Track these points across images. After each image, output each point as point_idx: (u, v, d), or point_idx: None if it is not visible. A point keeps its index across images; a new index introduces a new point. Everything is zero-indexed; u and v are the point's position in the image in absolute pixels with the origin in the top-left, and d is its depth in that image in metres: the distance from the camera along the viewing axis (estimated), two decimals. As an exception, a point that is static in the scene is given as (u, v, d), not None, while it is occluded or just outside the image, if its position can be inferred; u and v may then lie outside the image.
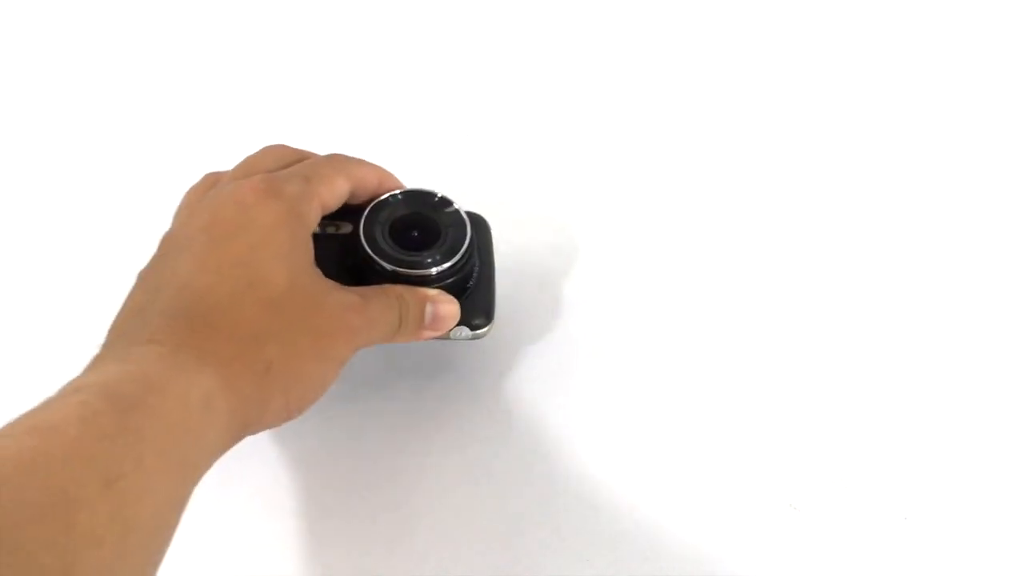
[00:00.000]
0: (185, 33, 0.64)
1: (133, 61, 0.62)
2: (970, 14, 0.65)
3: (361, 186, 0.43)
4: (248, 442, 0.37)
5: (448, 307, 0.42)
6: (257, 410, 0.36)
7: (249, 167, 0.42)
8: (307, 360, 0.37)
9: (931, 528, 0.43)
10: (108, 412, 0.30)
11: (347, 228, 0.43)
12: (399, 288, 0.41)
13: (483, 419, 0.46)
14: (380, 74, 0.61)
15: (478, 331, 0.44)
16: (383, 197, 0.43)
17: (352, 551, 0.42)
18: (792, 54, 0.64)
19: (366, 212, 0.43)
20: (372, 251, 0.42)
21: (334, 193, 0.41)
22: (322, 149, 0.44)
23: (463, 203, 0.44)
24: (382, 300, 0.40)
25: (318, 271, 0.39)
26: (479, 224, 0.46)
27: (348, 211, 0.43)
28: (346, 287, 0.40)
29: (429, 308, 0.42)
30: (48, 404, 0.31)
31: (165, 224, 0.41)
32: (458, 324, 0.43)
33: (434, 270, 0.42)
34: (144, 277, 0.38)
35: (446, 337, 0.43)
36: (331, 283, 0.39)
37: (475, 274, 0.44)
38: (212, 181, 0.42)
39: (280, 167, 0.41)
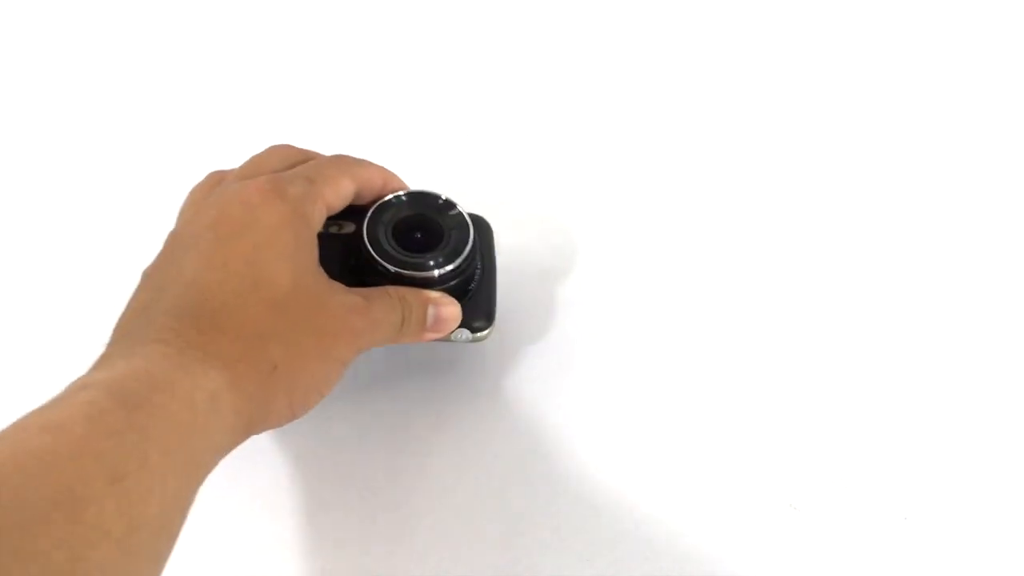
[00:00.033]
0: (190, 33, 0.64)
1: (138, 61, 0.62)
2: (970, 14, 0.65)
3: (366, 187, 0.43)
4: (248, 442, 0.37)
5: (450, 309, 0.42)
6: (262, 410, 0.36)
7: (254, 167, 0.42)
8: (311, 360, 0.37)
9: (931, 528, 0.43)
10: (115, 410, 0.31)
11: (350, 228, 0.43)
12: (402, 290, 0.41)
13: (483, 419, 0.46)
14: (383, 75, 0.62)
15: (479, 333, 0.44)
16: (387, 198, 0.44)
17: (352, 551, 0.42)
18: (790, 56, 0.64)
19: (370, 213, 0.43)
20: (375, 252, 0.42)
21: (339, 194, 0.41)
22: (326, 149, 0.44)
23: (466, 205, 0.45)
24: (385, 302, 0.40)
25: (322, 272, 0.39)
26: (482, 227, 0.46)
27: (352, 211, 0.43)
28: (349, 288, 0.40)
29: (431, 310, 0.42)
30: (55, 402, 0.31)
31: (169, 222, 0.41)
32: (459, 326, 0.43)
33: (437, 272, 0.42)
34: (149, 275, 0.39)
35: (447, 339, 0.44)
36: (335, 284, 0.39)
37: (477, 277, 0.44)
38: (217, 180, 0.42)
39: (285, 167, 0.42)
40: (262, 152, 0.43)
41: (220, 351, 0.35)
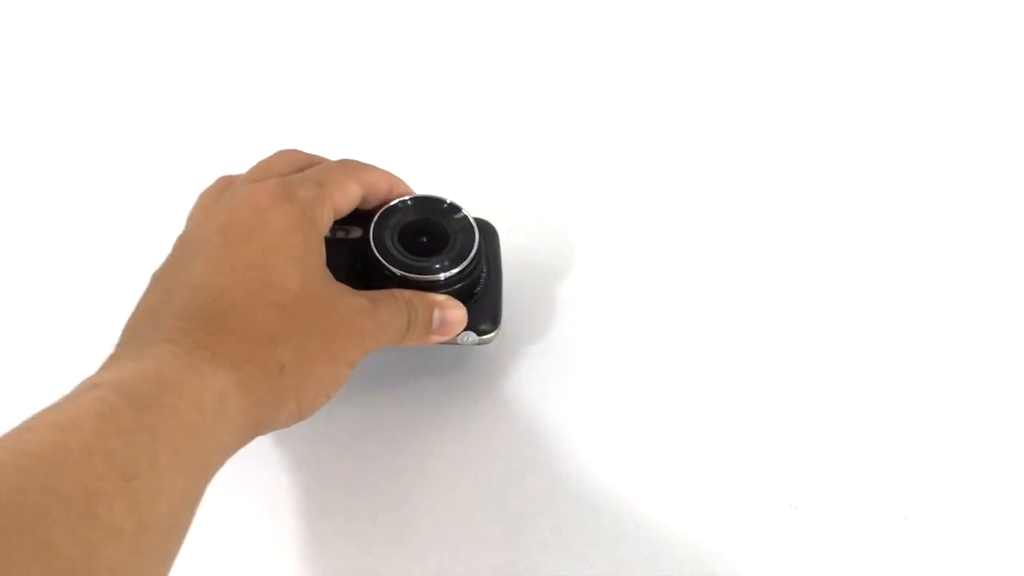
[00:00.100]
0: (199, 39, 0.64)
1: (147, 67, 0.62)
2: (970, 14, 0.66)
3: (372, 191, 0.43)
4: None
5: (456, 312, 0.43)
6: (269, 411, 0.36)
7: (262, 171, 0.42)
8: (319, 362, 0.38)
9: (931, 528, 0.43)
10: (124, 409, 0.31)
11: (357, 233, 0.44)
12: (408, 293, 0.42)
13: (483, 419, 0.46)
14: (387, 80, 0.62)
15: (485, 336, 0.44)
16: (393, 203, 0.44)
17: (352, 551, 0.42)
18: (788, 58, 0.64)
19: (376, 217, 0.43)
20: (381, 256, 0.42)
21: (346, 198, 0.42)
22: (332, 154, 0.45)
23: (467, 206, 0.45)
24: (391, 305, 0.41)
25: (330, 275, 0.40)
26: (487, 230, 0.46)
27: (358, 216, 0.43)
28: (356, 291, 0.40)
29: (437, 313, 0.42)
30: (65, 401, 0.31)
31: (178, 226, 0.41)
32: (465, 329, 0.43)
33: (442, 276, 0.43)
34: (158, 278, 0.39)
35: (453, 342, 0.44)
36: (342, 287, 0.40)
37: (483, 280, 0.45)
38: (225, 184, 0.43)
39: (292, 171, 0.42)
40: (270, 156, 0.43)
41: (228, 352, 0.35)
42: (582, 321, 0.50)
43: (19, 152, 0.57)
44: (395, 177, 0.45)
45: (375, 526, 0.43)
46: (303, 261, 0.38)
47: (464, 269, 0.43)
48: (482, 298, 0.45)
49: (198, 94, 0.61)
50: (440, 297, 0.43)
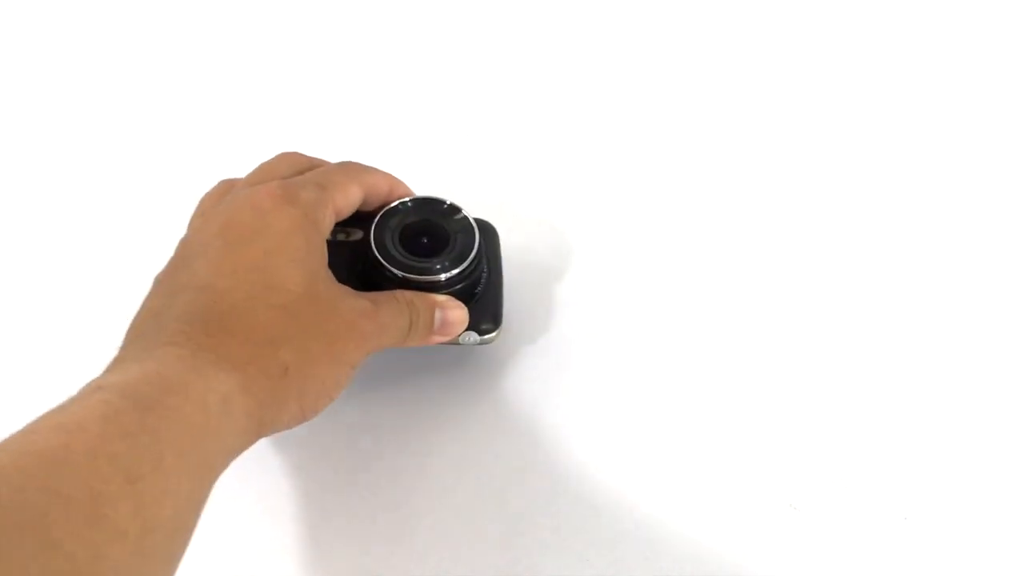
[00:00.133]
0: (199, 43, 0.64)
1: (148, 71, 0.62)
2: (970, 14, 0.66)
3: (372, 193, 0.44)
4: (249, 442, 0.37)
5: (457, 312, 0.43)
6: (272, 413, 0.36)
7: (263, 174, 0.42)
8: (321, 364, 0.38)
9: (931, 528, 0.43)
10: (129, 412, 0.31)
11: (358, 235, 0.44)
12: (409, 294, 0.42)
13: (483, 419, 0.46)
14: (386, 82, 0.62)
15: (486, 336, 0.45)
16: (393, 204, 0.44)
17: (352, 551, 0.42)
18: (786, 58, 0.64)
19: (377, 219, 0.44)
20: (382, 257, 0.43)
21: (348, 200, 0.42)
22: (331, 155, 0.45)
23: (466, 206, 0.45)
24: (393, 306, 0.41)
25: (332, 276, 0.40)
26: (487, 231, 0.47)
27: (359, 218, 0.44)
28: (358, 292, 0.40)
29: (438, 314, 0.42)
30: (70, 403, 0.31)
31: (179, 230, 0.41)
32: (466, 329, 0.44)
33: (443, 276, 0.43)
34: (161, 281, 0.39)
35: (454, 342, 0.44)
36: (344, 288, 0.40)
37: (483, 280, 0.45)
38: (227, 187, 0.43)
39: (293, 174, 0.42)
40: (271, 159, 0.44)
41: (232, 354, 0.35)
42: (582, 321, 0.50)
43: (22, 157, 0.57)
44: (395, 179, 0.45)
45: (375, 526, 0.43)
46: (305, 263, 0.38)
47: (465, 270, 0.43)
48: (483, 298, 0.45)
49: (199, 98, 0.61)
50: (441, 298, 0.43)
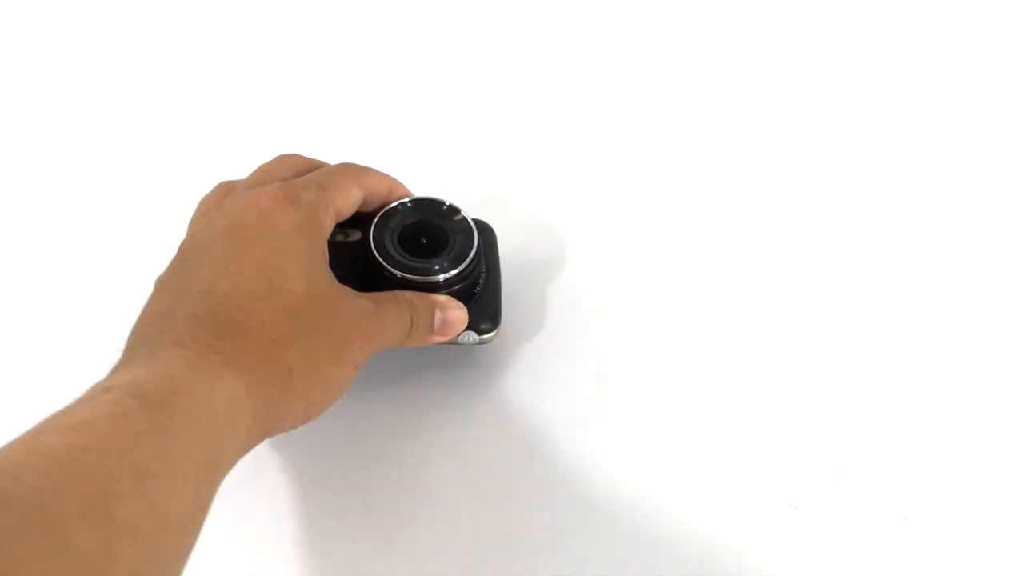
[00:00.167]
0: (198, 45, 0.64)
1: (147, 73, 0.62)
2: (970, 14, 0.66)
3: (372, 194, 0.44)
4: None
5: (456, 313, 0.43)
6: (278, 413, 0.37)
7: (263, 175, 0.42)
8: (326, 365, 0.38)
9: (931, 528, 0.43)
10: (138, 411, 0.31)
11: (357, 236, 0.44)
12: (409, 294, 0.42)
13: (483, 419, 0.46)
14: (385, 83, 0.62)
15: (485, 336, 0.45)
16: (393, 205, 0.44)
17: (352, 551, 0.42)
18: (784, 59, 0.64)
19: (376, 220, 0.44)
20: (382, 258, 0.43)
21: (348, 201, 0.42)
22: (329, 156, 0.45)
23: (464, 205, 0.45)
24: (394, 306, 0.41)
25: (334, 277, 0.40)
26: (486, 231, 0.47)
27: (358, 219, 0.44)
28: (360, 293, 0.40)
29: (438, 314, 0.43)
30: (79, 404, 0.32)
31: (180, 232, 0.41)
32: (466, 329, 0.44)
33: (442, 277, 0.43)
34: (164, 282, 0.39)
35: (454, 342, 0.44)
36: (346, 289, 0.40)
37: (482, 280, 0.45)
38: (227, 190, 0.43)
39: (293, 175, 0.42)
40: (270, 161, 0.44)
41: (238, 356, 0.35)
42: (581, 320, 0.50)
43: (22, 159, 0.57)
44: (394, 180, 0.45)
45: (375, 526, 0.43)
46: (308, 264, 0.38)
47: (464, 270, 0.43)
48: (482, 298, 0.45)
49: (197, 100, 0.61)
50: (441, 298, 0.43)
